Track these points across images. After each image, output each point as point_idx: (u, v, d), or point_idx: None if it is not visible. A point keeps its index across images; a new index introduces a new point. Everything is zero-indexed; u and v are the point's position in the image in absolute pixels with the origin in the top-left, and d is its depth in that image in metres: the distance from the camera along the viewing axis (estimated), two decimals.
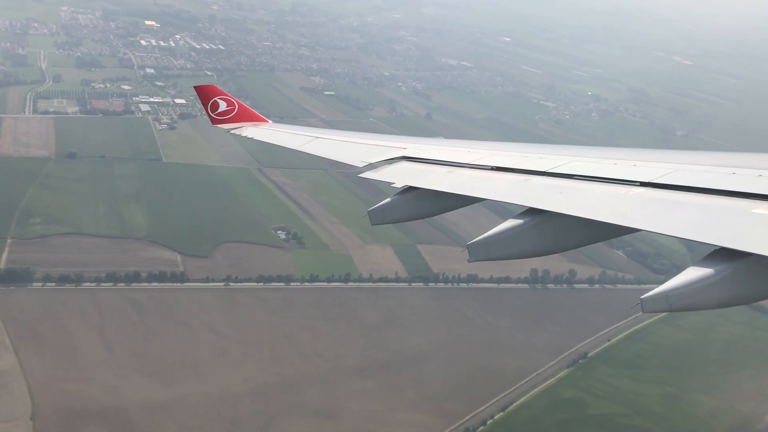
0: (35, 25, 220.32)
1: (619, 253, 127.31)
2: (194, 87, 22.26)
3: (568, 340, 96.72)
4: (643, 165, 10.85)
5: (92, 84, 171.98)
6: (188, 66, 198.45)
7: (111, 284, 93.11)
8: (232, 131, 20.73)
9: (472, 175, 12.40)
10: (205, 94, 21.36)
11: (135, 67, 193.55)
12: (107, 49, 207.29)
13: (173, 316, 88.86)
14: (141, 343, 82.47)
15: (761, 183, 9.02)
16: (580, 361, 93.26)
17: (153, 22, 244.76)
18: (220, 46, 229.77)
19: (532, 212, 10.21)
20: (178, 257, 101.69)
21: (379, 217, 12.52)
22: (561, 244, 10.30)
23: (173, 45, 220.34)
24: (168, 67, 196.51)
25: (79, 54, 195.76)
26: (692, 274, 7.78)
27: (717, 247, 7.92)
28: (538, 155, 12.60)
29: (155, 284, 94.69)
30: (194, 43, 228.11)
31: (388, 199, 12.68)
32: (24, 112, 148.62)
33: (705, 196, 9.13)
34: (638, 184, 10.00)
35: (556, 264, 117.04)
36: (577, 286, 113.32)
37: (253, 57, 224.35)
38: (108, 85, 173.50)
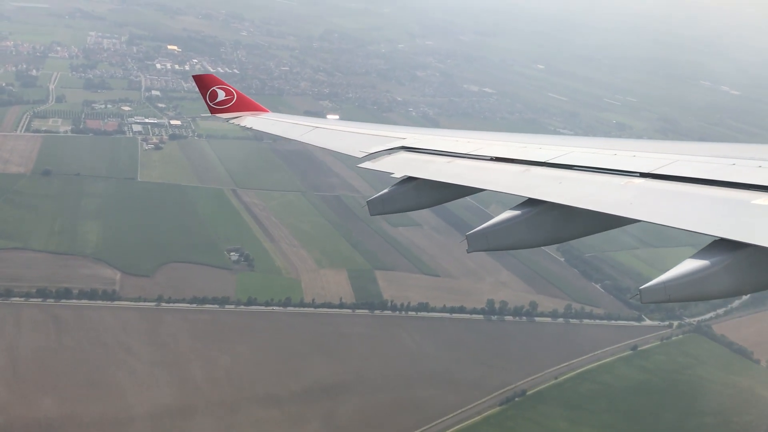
0: (58, 48, 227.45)
1: (597, 286, 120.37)
2: (193, 76, 22.47)
3: (509, 375, 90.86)
4: (642, 156, 10.82)
5: (93, 105, 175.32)
6: (196, 89, 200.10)
7: (40, 300, 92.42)
8: (231, 120, 20.94)
9: (471, 166, 12.45)
10: (203, 83, 21.31)
11: (142, 89, 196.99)
12: (120, 71, 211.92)
13: (92, 334, 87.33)
14: (50, 360, 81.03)
15: (761, 174, 8.97)
16: (517, 398, 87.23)
17: (175, 47, 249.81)
18: (235, 70, 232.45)
19: (531, 203, 10.18)
20: (118, 275, 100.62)
21: (378, 208, 12.56)
22: (560, 234, 10.36)
23: (188, 69, 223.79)
24: (175, 90, 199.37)
25: (90, 76, 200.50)
26: (691, 264, 7.80)
27: (716, 238, 7.90)
28: (538, 146, 12.60)
29: (85, 301, 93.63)
30: (210, 67, 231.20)
31: (386, 190, 12.69)
32: (16, 130, 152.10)
33: (705, 187, 9.10)
34: (638, 174, 9.96)
35: (520, 295, 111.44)
36: (538, 319, 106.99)
37: (266, 81, 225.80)
38: (109, 106, 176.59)
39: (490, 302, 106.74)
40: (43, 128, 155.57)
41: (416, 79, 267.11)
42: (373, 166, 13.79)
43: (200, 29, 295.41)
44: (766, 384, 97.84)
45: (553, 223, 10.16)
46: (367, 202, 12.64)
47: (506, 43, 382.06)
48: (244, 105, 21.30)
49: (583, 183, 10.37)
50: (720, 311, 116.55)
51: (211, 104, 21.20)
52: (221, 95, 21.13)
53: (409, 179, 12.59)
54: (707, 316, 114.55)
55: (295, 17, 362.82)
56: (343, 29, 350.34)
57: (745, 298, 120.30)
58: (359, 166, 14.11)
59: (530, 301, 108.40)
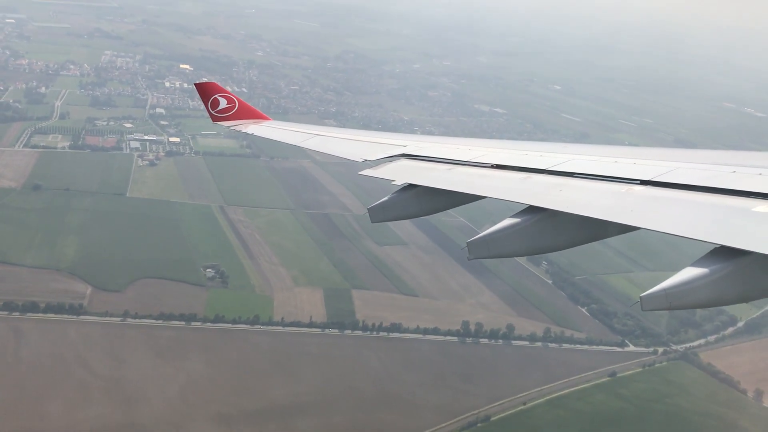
0: (71, 67, 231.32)
1: (583, 310, 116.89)
2: (195, 84, 22.48)
3: (475, 400, 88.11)
4: (643, 163, 10.91)
5: (96, 121, 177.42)
6: (201, 107, 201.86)
7: (6, 313, 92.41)
8: (233, 128, 21.14)
9: (472, 173, 12.52)
10: (205, 91, 21.42)
11: (147, 107, 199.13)
12: (129, 89, 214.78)
13: (51, 348, 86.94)
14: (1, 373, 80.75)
15: (762, 181, 8.99)
16: (479, 424, 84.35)
17: (187, 66, 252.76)
18: (244, 89, 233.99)
19: (532, 210, 10.22)
20: (89, 290, 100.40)
21: (379, 215, 12.65)
22: (560, 242, 10.37)
23: None
24: (180, 108, 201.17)
25: (98, 94, 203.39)
26: (692, 272, 7.80)
27: (717, 246, 7.90)
28: (539, 153, 12.68)
29: (50, 315, 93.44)
30: None
31: (387, 197, 12.74)
32: (14, 146, 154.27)
33: (705, 194, 9.12)
34: (638, 182, 10.03)
35: (499, 317, 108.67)
36: (515, 342, 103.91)
37: (273, 100, 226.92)
38: (112, 123, 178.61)
39: (465, 324, 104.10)
40: (42, 144, 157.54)
41: (427, 98, 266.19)
42: (374, 173, 13.78)
43: (216, 49, 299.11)
44: (750, 416, 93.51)
45: (554, 231, 10.17)
46: (368, 209, 12.74)
47: (526, 65, 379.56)
48: (245, 113, 21.34)
49: (584, 190, 10.38)
50: (711, 338, 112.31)
51: (212, 112, 21.19)
52: (223, 103, 21.06)
53: (410, 186, 12.61)
54: (696, 343, 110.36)
55: (313, 38, 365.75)
56: (360, 50, 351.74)
57: (739, 325, 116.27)
58: (360, 173, 14.12)
59: (507, 324, 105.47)
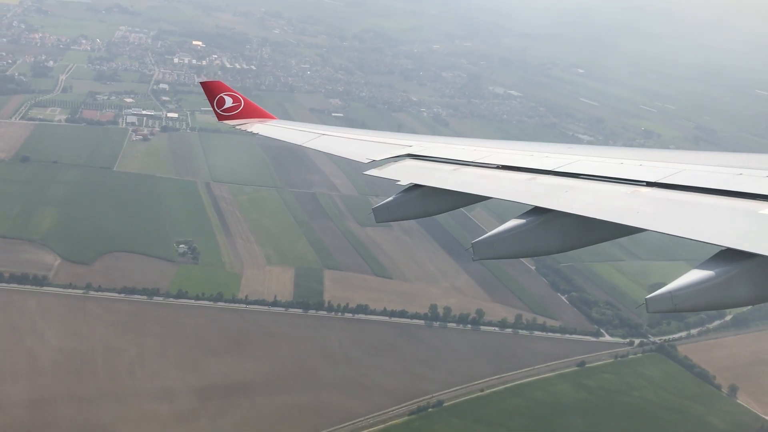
0: (83, 41, 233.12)
1: (562, 297, 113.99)
2: (200, 83, 22.77)
3: (430, 385, 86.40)
4: (649, 165, 10.95)
5: (97, 96, 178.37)
6: None
7: None
8: (238, 127, 21.33)
9: (477, 174, 12.59)
10: (211, 90, 21.64)
11: (151, 82, 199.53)
12: (137, 65, 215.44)
13: (7, 318, 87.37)
14: None
15: None
16: (430, 409, 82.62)
17: (199, 42, 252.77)
18: (253, 67, 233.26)
19: (537, 211, 10.27)
20: (57, 261, 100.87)
21: (384, 215, 12.73)
22: (566, 243, 10.39)
23: (205, 64, 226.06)
24: (185, 84, 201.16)
25: (104, 68, 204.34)
26: (698, 274, 7.84)
27: (723, 248, 7.95)
28: (544, 154, 12.77)
29: (14, 285, 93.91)
30: (227, 63, 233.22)
31: (392, 197, 12.83)
32: (12, 118, 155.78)
33: (712, 196, 9.14)
34: (644, 183, 10.04)
35: (472, 302, 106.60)
36: (483, 328, 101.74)
37: (280, 78, 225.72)
38: (113, 97, 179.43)
39: (434, 308, 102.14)
40: (39, 117, 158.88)
41: (440, 79, 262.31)
42: (379, 173, 13.83)
43: (233, 26, 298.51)
44: (720, 411, 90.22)
45: (559, 232, 10.15)
46: (373, 209, 12.74)
47: (551, 47, 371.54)
48: (251, 112, 21.54)
49: (590, 192, 10.40)
50: (694, 331, 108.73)
51: (218, 111, 21.38)
52: (229, 102, 21.26)
53: (415, 187, 12.65)
54: (677, 335, 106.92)
55: (334, 16, 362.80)
56: (381, 29, 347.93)
57: (727, 318, 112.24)
58: (365, 173, 14.28)
59: (477, 309, 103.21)
